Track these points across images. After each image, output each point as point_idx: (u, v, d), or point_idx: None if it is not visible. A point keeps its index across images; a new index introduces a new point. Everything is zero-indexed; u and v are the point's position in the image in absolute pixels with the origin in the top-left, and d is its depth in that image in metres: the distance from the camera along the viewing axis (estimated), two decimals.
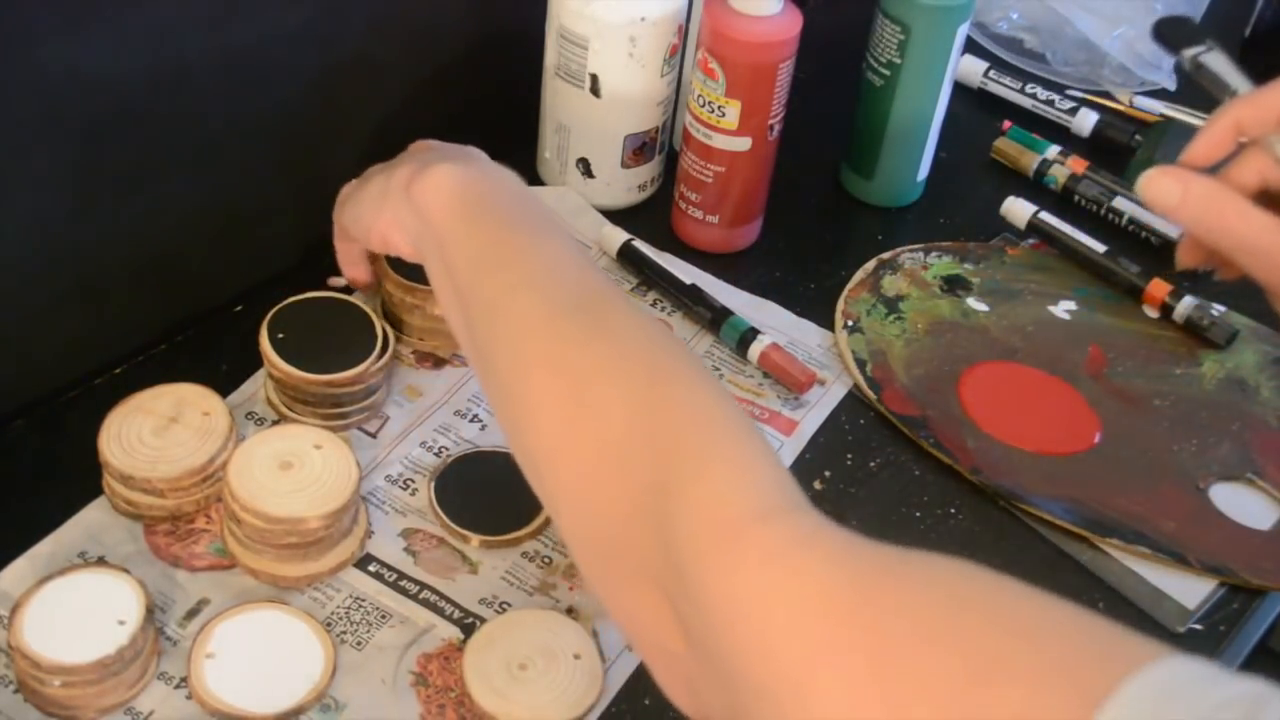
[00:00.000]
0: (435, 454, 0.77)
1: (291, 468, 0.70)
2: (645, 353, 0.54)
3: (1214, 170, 0.67)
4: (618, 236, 0.89)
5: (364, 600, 0.70)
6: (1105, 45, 1.09)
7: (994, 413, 0.83)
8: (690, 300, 0.86)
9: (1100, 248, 0.93)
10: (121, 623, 0.63)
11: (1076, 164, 1.00)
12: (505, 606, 0.70)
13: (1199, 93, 1.09)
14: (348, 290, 0.82)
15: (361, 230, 0.70)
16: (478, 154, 0.68)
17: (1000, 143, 1.03)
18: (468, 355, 0.61)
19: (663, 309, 0.87)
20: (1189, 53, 0.75)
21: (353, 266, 0.78)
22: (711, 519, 0.46)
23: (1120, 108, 1.09)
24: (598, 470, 0.51)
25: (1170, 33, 0.79)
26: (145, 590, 0.65)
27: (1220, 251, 0.67)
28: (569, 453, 0.52)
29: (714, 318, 0.85)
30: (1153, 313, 0.91)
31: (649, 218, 0.93)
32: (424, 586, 0.71)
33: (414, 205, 0.63)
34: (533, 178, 0.95)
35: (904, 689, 0.39)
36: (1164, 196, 0.65)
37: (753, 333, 0.84)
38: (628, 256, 0.89)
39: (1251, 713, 0.34)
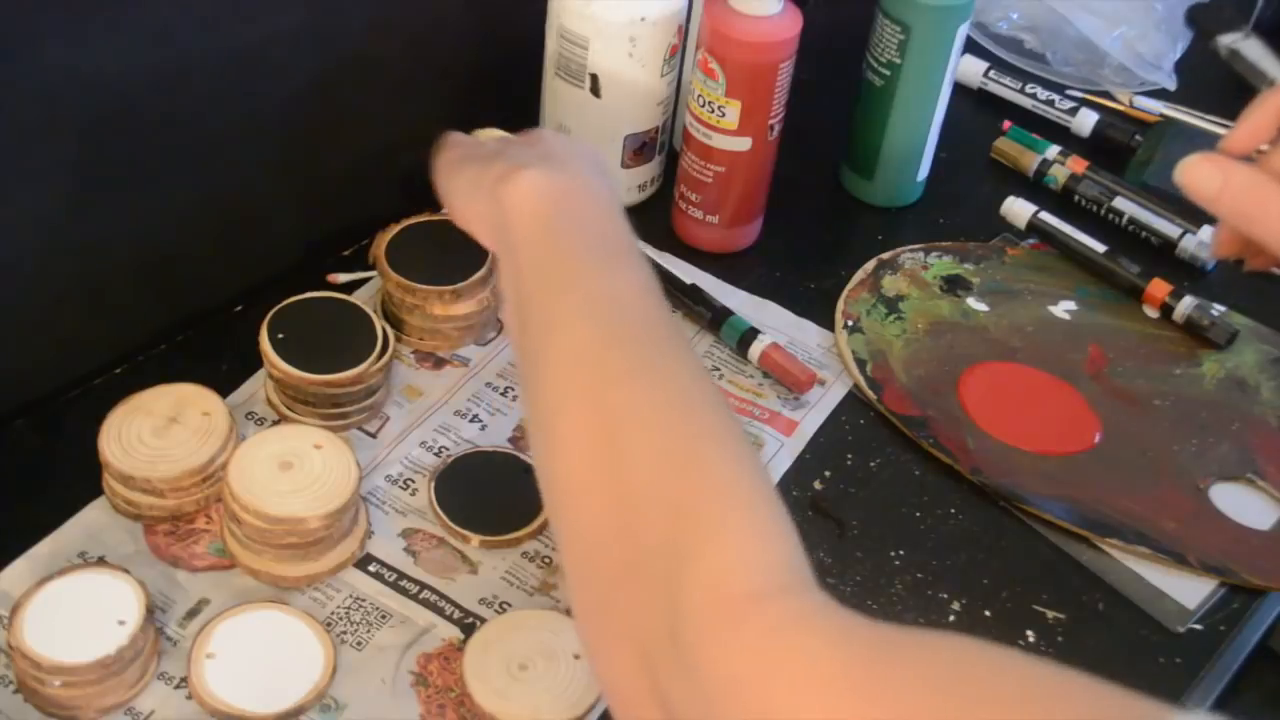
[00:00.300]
0: (435, 454, 0.77)
1: (291, 468, 0.70)
2: (685, 402, 0.53)
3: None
4: None
5: (364, 600, 0.70)
6: (1105, 45, 1.09)
7: (994, 413, 0.83)
8: (690, 300, 0.86)
9: (1100, 248, 0.93)
10: (121, 623, 0.63)
11: (1076, 164, 1.00)
12: (505, 606, 0.70)
13: (1199, 92, 1.10)
14: (348, 290, 0.82)
15: (450, 209, 0.71)
16: (585, 159, 0.66)
17: (1000, 143, 1.03)
18: (517, 363, 0.61)
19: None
20: (1225, 40, 0.74)
21: None
22: (718, 593, 0.45)
23: (1120, 108, 1.09)
24: (612, 517, 0.50)
25: (1205, 19, 0.78)
26: (145, 590, 0.65)
27: (1257, 241, 0.65)
28: (589, 493, 0.51)
29: (714, 317, 0.85)
30: (1153, 313, 0.91)
31: (649, 218, 0.93)
32: (424, 586, 0.71)
33: (499, 206, 0.62)
34: None
35: None
36: (1204, 184, 0.65)
37: (753, 332, 0.84)
38: None
39: None
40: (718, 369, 0.84)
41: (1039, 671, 0.40)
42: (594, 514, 0.51)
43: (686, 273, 0.88)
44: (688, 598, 0.45)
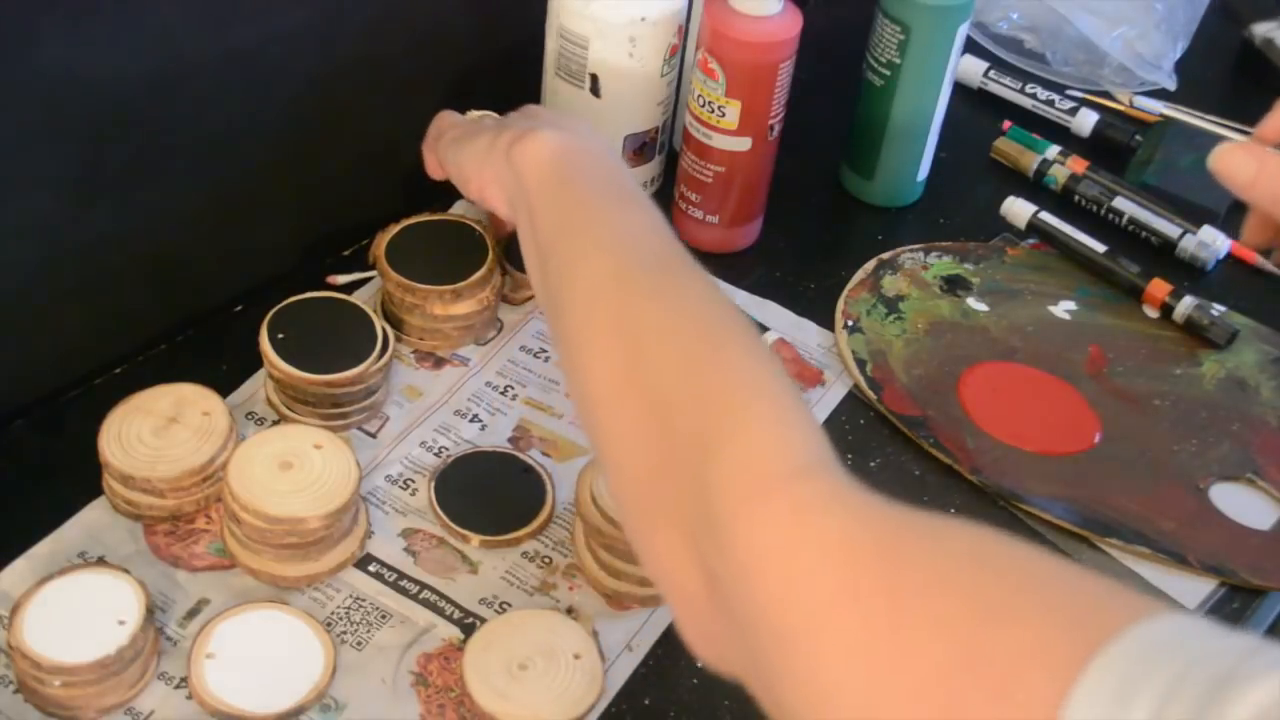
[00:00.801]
0: (435, 454, 0.77)
1: (291, 468, 0.70)
2: (704, 315, 0.57)
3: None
4: None
5: (364, 600, 0.70)
6: (1105, 45, 1.09)
7: (994, 413, 0.83)
8: None
9: (1100, 248, 0.93)
10: (121, 623, 0.63)
11: (1076, 164, 1.00)
12: (505, 606, 0.70)
13: (1199, 92, 1.10)
14: (348, 290, 0.82)
15: (461, 179, 0.75)
16: (582, 124, 0.72)
17: (1000, 143, 1.03)
18: (543, 308, 0.65)
19: None
20: (1260, 29, 0.74)
21: (437, 171, 0.80)
22: (746, 473, 0.48)
23: (1120, 108, 1.09)
24: (646, 421, 0.53)
25: (1241, 6, 0.78)
26: (145, 590, 0.65)
27: None
28: (622, 403, 0.54)
29: None
30: (1153, 313, 0.91)
31: None
32: (424, 586, 0.71)
33: (514, 167, 0.67)
34: None
35: (919, 630, 0.41)
36: (1238, 171, 0.65)
37: (759, 329, 0.84)
38: None
39: (1247, 658, 0.35)
40: None
41: (1050, 560, 0.42)
42: (629, 419, 0.54)
43: None
44: (719, 480, 0.48)
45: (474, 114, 0.82)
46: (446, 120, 0.80)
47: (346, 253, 0.88)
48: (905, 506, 0.46)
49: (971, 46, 1.11)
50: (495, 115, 0.81)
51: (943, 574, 0.43)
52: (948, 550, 0.44)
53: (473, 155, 0.73)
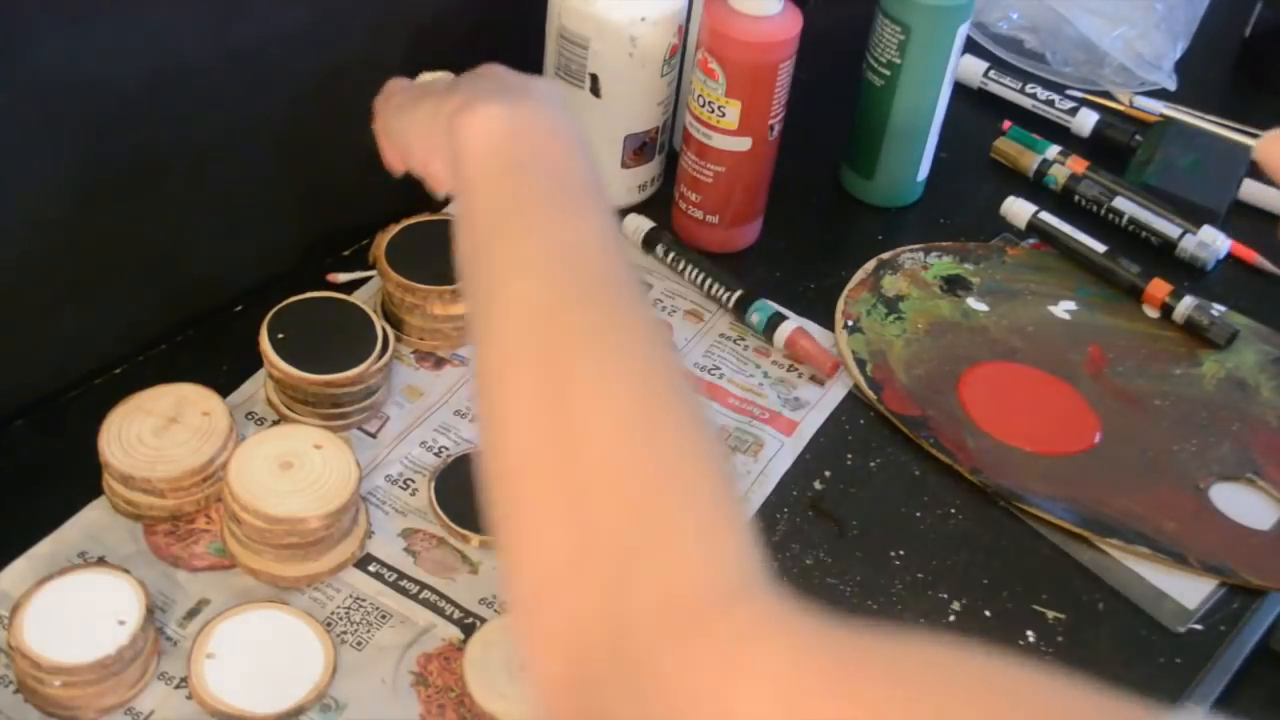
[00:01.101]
0: (435, 454, 0.77)
1: (291, 468, 0.70)
2: (645, 374, 0.49)
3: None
4: (644, 225, 0.91)
5: (364, 600, 0.70)
6: (1105, 45, 1.09)
7: (994, 413, 0.83)
8: (718, 280, 0.87)
9: (1100, 248, 0.93)
10: (121, 623, 0.63)
11: (1076, 164, 1.00)
12: (505, 606, 0.70)
13: (1199, 92, 1.10)
14: (348, 290, 0.82)
15: (403, 147, 0.66)
16: (543, 92, 0.60)
17: (1000, 143, 1.03)
18: (467, 312, 0.56)
19: (667, 309, 0.87)
20: None
21: (395, 159, 0.70)
22: (671, 601, 0.42)
23: (1120, 108, 1.09)
24: (558, 495, 0.45)
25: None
26: (145, 590, 0.65)
27: None
28: (534, 465, 0.47)
29: (740, 299, 0.86)
30: (1153, 313, 0.91)
31: (649, 218, 0.93)
32: (424, 586, 0.71)
33: (454, 142, 0.58)
34: None
35: None
36: None
37: (780, 316, 0.85)
38: (652, 241, 0.90)
39: None
40: (718, 367, 0.84)
41: (1019, 669, 0.38)
42: (538, 489, 0.46)
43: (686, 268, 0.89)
44: (638, 604, 0.42)
45: (425, 76, 0.75)
46: (394, 87, 0.71)
47: (346, 253, 0.88)
48: (848, 629, 0.41)
49: (971, 46, 1.11)
50: (450, 76, 0.73)
51: (905, 688, 0.38)
52: (905, 677, 0.39)
53: (415, 123, 0.64)
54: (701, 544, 0.44)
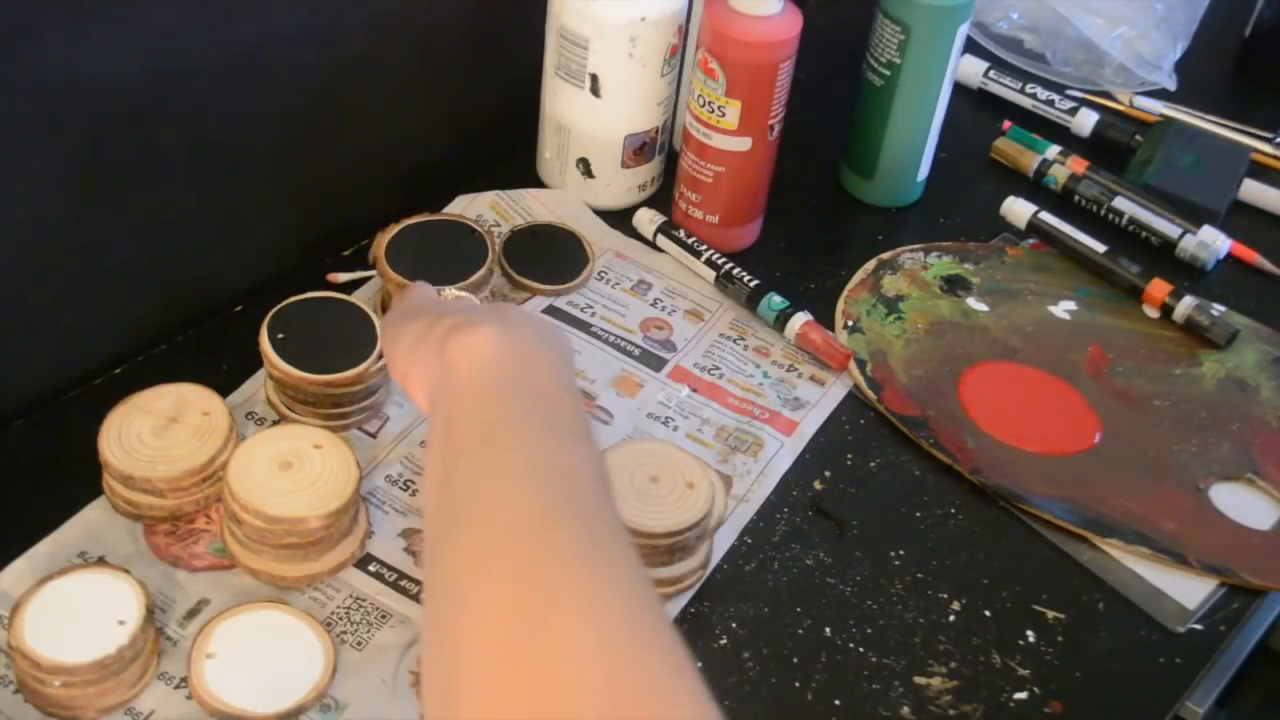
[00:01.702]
0: None
1: (291, 468, 0.70)
2: (630, 597, 0.47)
3: None
4: (657, 217, 0.91)
5: (364, 600, 0.70)
6: (1105, 45, 1.09)
7: (994, 413, 0.83)
8: (727, 275, 0.88)
9: (1100, 248, 0.93)
10: (121, 623, 0.63)
11: (1076, 164, 1.00)
12: None
13: (1199, 92, 1.10)
14: (348, 290, 0.82)
15: (390, 359, 0.65)
16: (542, 329, 0.62)
17: (1000, 143, 1.03)
18: (426, 515, 0.55)
19: (667, 309, 0.87)
20: None
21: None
22: None
23: (1120, 108, 1.09)
24: (532, 708, 0.42)
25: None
26: (145, 590, 0.65)
27: None
28: (503, 679, 0.43)
29: (751, 293, 0.87)
30: (1153, 313, 0.91)
31: None
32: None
33: (445, 359, 0.57)
34: (533, 178, 0.95)
35: None
36: None
37: (791, 309, 0.85)
38: (666, 231, 0.91)
39: None
40: (718, 367, 0.84)
41: None
42: (505, 702, 0.43)
43: (690, 263, 0.89)
44: None
45: (449, 293, 0.75)
46: (408, 292, 0.71)
47: (346, 253, 0.88)
48: None
49: (971, 46, 1.12)
50: (472, 299, 0.75)
51: None
52: None
53: (407, 334, 0.63)
54: None
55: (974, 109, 1.07)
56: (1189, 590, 0.76)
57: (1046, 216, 0.95)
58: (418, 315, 0.63)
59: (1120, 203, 0.98)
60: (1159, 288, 0.91)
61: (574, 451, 0.53)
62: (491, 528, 0.48)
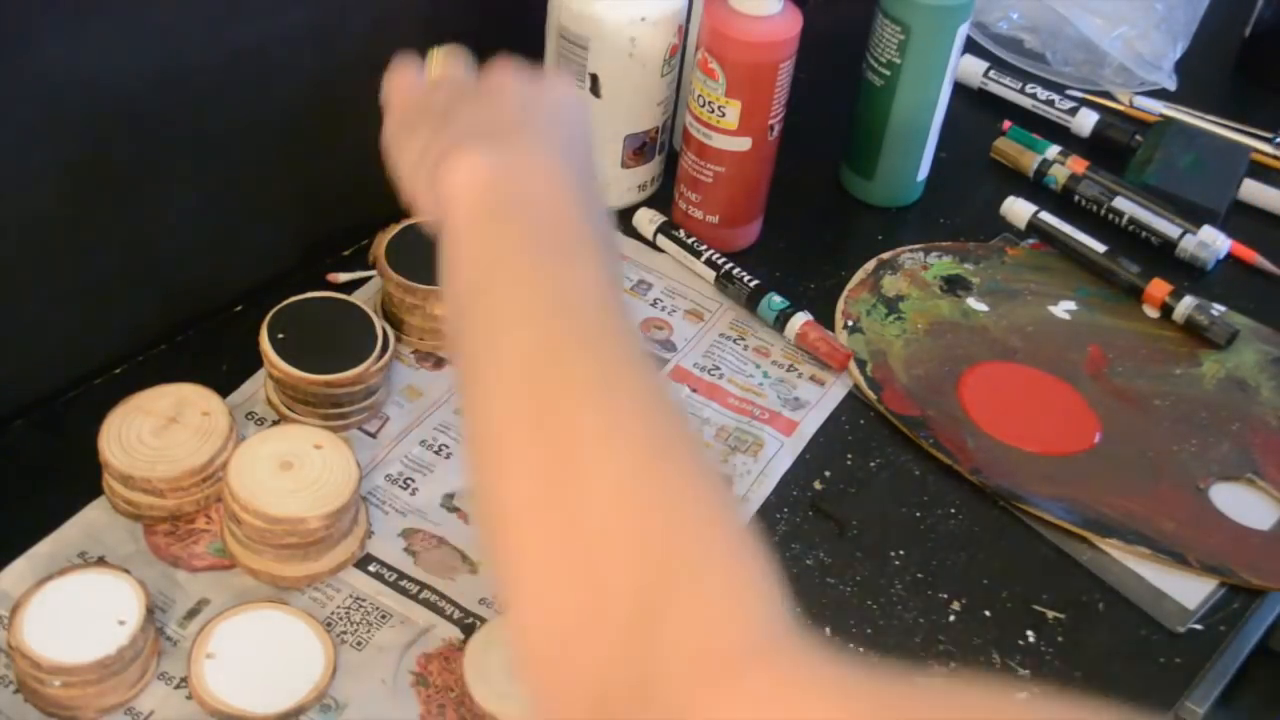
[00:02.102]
0: (435, 453, 0.77)
1: (291, 468, 0.70)
2: (648, 424, 0.47)
3: None
4: (657, 217, 0.91)
5: (364, 600, 0.70)
6: (1105, 45, 1.09)
7: (994, 413, 0.83)
8: (727, 275, 0.88)
9: (1100, 248, 0.93)
10: (121, 623, 0.63)
11: (1076, 164, 1.00)
12: None
13: (1199, 92, 1.10)
14: (348, 290, 0.82)
15: (396, 180, 0.63)
16: (543, 122, 0.57)
17: (1000, 143, 1.03)
18: (455, 370, 0.55)
19: (667, 309, 0.87)
20: None
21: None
22: (701, 652, 0.41)
23: (1120, 108, 1.09)
24: (568, 553, 0.44)
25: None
26: (145, 590, 0.65)
27: None
28: (539, 525, 0.45)
29: (751, 293, 0.87)
30: (1153, 313, 0.91)
31: None
32: (424, 586, 0.71)
33: (439, 193, 0.55)
34: None
35: None
36: None
37: (790, 309, 0.85)
38: (666, 231, 0.91)
39: None
40: (718, 367, 0.84)
41: (1051, 707, 0.38)
42: (546, 549, 0.45)
43: (690, 263, 0.89)
44: (666, 654, 0.41)
45: (435, 65, 0.67)
46: (397, 87, 0.65)
47: (346, 253, 0.88)
48: (881, 675, 0.41)
49: (971, 46, 1.11)
50: (458, 68, 0.67)
51: None
52: (945, 713, 0.38)
53: (404, 159, 0.61)
54: (730, 594, 0.43)
55: (974, 109, 1.07)
56: (1189, 590, 0.76)
57: (1046, 216, 0.95)
58: (413, 129, 0.60)
59: (1120, 203, 0.98)
60: (1159, 288, 0.91)
61: (575, 271, 0.51)
62: (504, 378, 0.48)
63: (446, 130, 0.58)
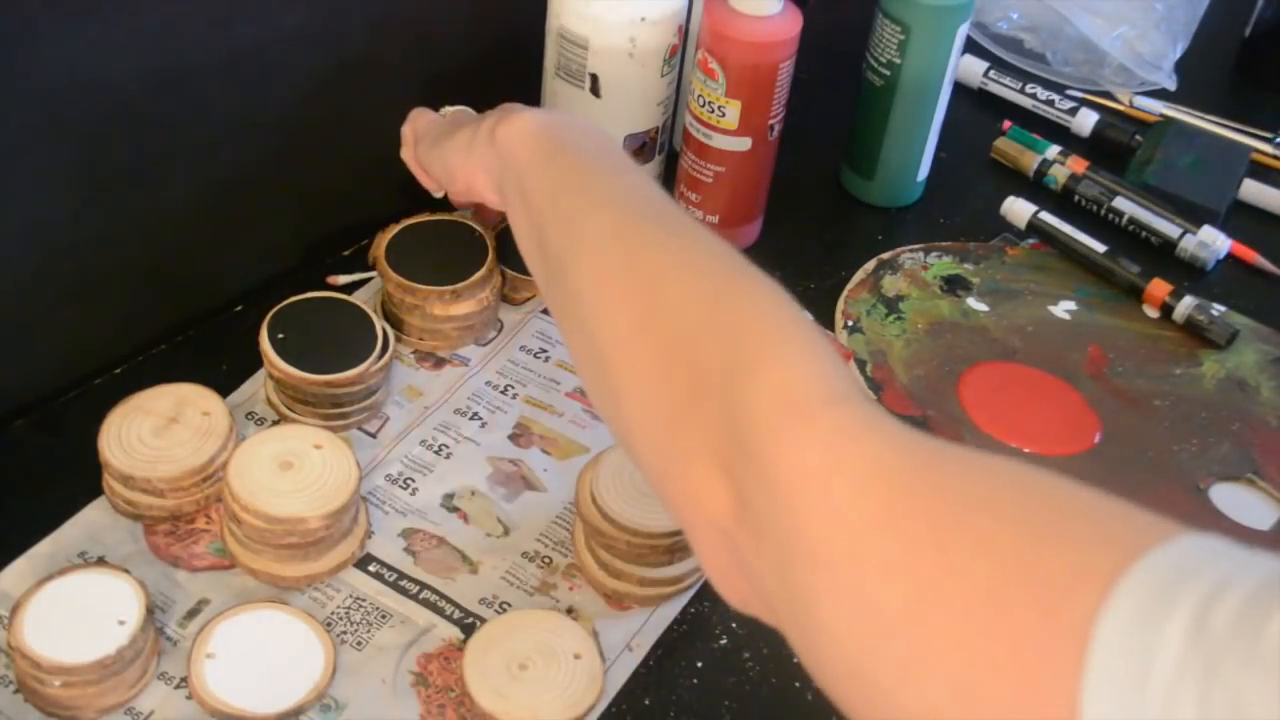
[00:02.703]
0: (435, 452, 0.77)
1: (291, 468, 0.70)
2: (717, 256, 0.56)
3: None
4: None
5: (364, 600, 0.70)
6: (1105, 45, 1.09)
7: (994, 413, 0.83)
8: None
9: (1100, 248, 0.93)
10: (121, 623, 0.63)
11: (1076, 164, 1.00)
12: (505, 606, 0.70)
13: (1199, 92, 1.10)
14: (348, 290, 0.82)
15: (447, 175, 0.74)
16: (565, 112, 0.71)
17: (1000, 143, 1.03)
18: (540, 283, 0.63)
19: None
20: None
21: (434, 185, 0.80)
22: (783, 397, 0.47)
23: (1120, 108, 1.09)
24: (670, 357, 0.52)
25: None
26: (145, 590, 0.65)
27: None
28: (642, 343, 0.54)
29: None
30: (1153, 313, 0.91)
31: None
32: (424, 586, 0.71)
33: (499, 147, 0.66)
34: None
35: (964, 550, 0.41)
36: None
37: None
38: None
39: None
40: None
41: (1089, 489, 0.42)
42: (651, 358, 0.53)
43: None
44: (754, 403, 0.48)
45: (448, 110, 0.82)
46: (422, 122, 0.79)
47: (346, 253, 0.88)
48: (940, 440, 0.46)
49: (971, 46, 1.12)
50: (471, 111, 0.81)
51: (984, 497, 0.42)
52: (988, 476, 0.44)
53: (455, 149, 0.72)
54: (804, 357, 0.49)
55: (974, 109, 1.07)
56: None
57: (1046, 216, 0.95)
58: (452, 131, 0.73)
59: (1120, 203, 0.98)
60: (1159, 288, 0.91)
61: (628, 176, 0.62)
62: (590, 249, 0.57)
63: (487, 116, 0.69)
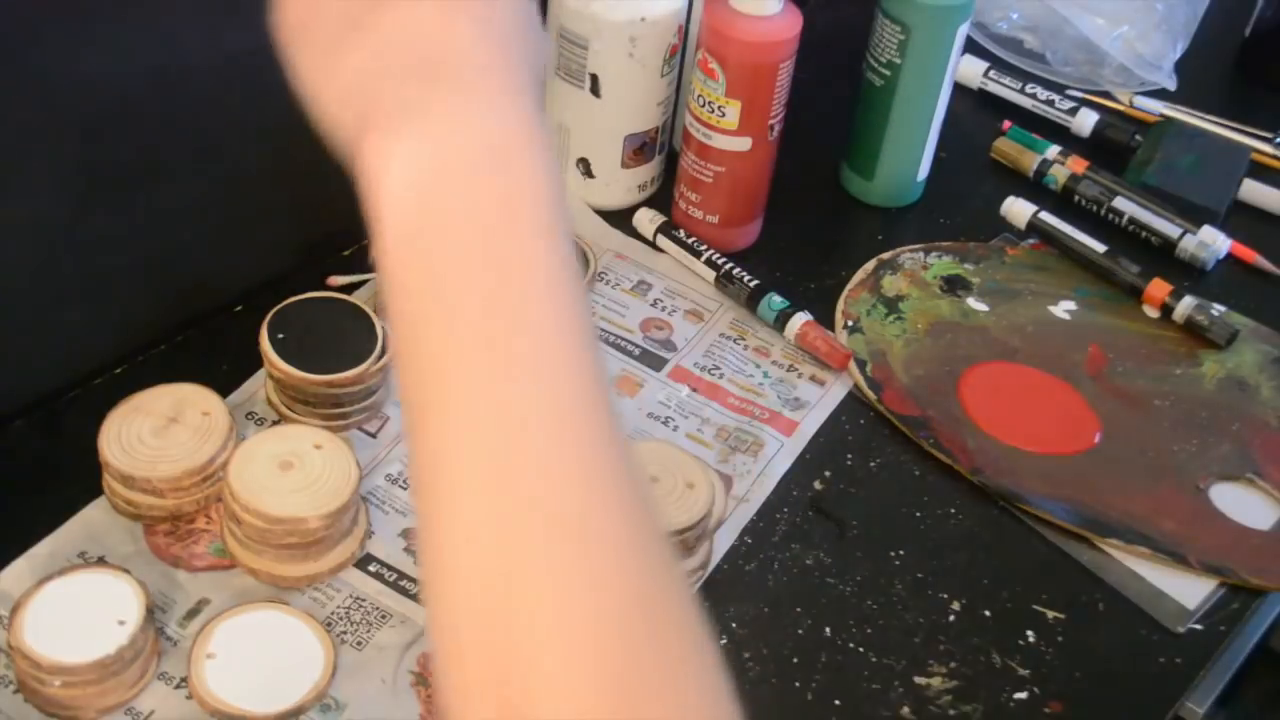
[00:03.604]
0: None
1: (291, 468, 0.70)
2: (636, 592, 0.40)
3: None
4: (657, 218, 0.91)
5: (364, 600, 0.70)
6: (1105, 45, 1.09)
7: (994, 413, 0.83)
8: (727, 275, 0.88)
9: (1100, 248, 0.93)
10: (121, 623, 0.63)
11: (1076, 164, 1.00)
12: None
13: (1199, 92, 1.10)
14: (348, 290, 0.82)
15: (311, 94, 0.52)
16: (500, 64, 0.45)
17: (1000, 143, 1.03)
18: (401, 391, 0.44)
19: (667, 309, 0.87)
20: None
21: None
22: None
23: (1120, 108, 1.09)
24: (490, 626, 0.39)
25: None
26: (145, 590, 0.65)
27: None
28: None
29: (751, 293, 0.87)
30: (1153, 313, 0.91)
31: None
32: None
33: (364, 172, 0.45)
34: None
35: None
36: None
37: (790, 310, 0.85)
38: (664, 232, 0.91)
39: None
40: (718, 367, 0.84)
41: None
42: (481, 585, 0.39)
43: (690, 263, 0.89)
44: None
45: None
46: None
47: (346, 253, 0.88)
48: None
49: (971, 46, 1.11)
50: None
51: None
52: None
53: (331, 82, 0.49)
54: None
55: (974, 109, 1.07)
56: (1189, 590, 0.76)
57: (1046, 216, 0.95)
58: (336, 33, 0.49)
59: (1120, 203, 0.98)
60: (1159, 288, 0.91)
61: (519, 348, 0.41)
62: (460, 536, 0.40)
63: (375, 51, 0.46)
